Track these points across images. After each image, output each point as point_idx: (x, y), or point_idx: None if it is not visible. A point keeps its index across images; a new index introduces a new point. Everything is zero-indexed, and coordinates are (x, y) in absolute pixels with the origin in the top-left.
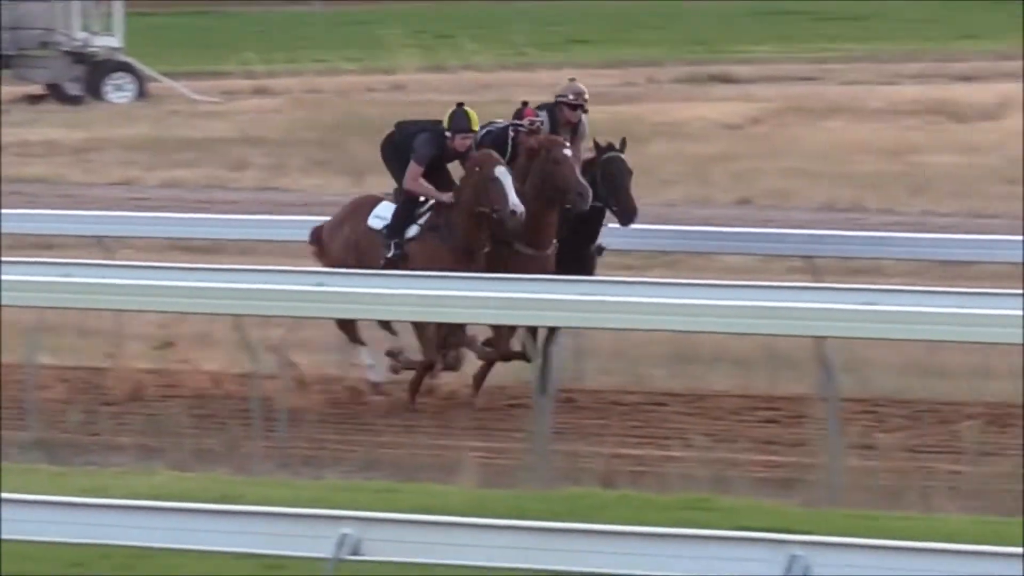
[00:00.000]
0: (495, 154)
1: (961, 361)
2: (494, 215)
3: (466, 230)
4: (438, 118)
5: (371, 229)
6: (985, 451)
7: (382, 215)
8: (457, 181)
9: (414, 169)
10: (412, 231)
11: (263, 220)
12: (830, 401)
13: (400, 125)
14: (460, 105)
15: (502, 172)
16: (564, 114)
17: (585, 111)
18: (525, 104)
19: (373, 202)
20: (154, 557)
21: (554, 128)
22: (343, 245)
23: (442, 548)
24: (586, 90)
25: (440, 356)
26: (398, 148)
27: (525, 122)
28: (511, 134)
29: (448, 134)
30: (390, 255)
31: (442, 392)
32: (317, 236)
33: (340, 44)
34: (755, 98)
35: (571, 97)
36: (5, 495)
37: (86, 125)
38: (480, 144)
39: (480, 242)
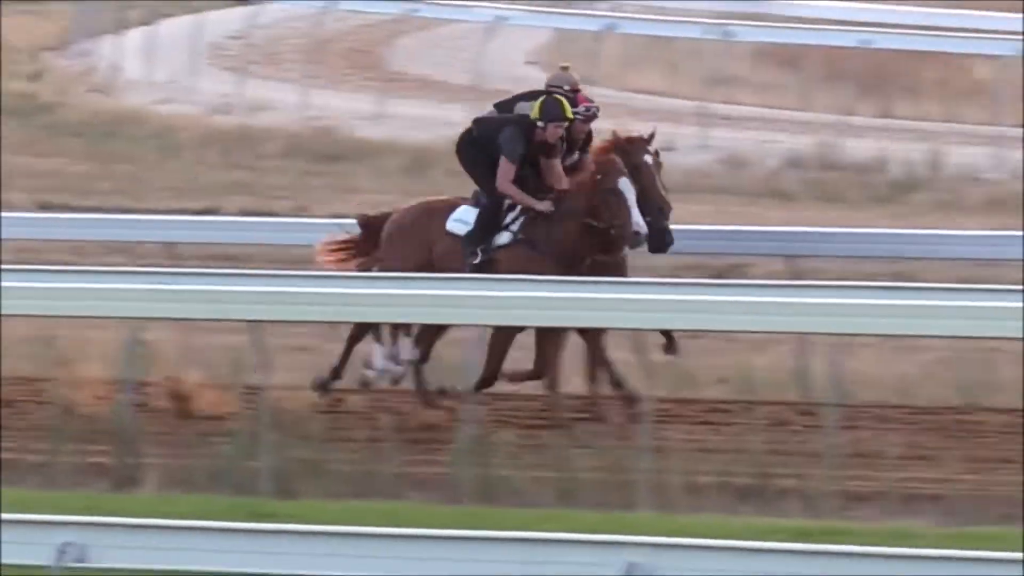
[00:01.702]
0: (619, 162)
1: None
2: (612, 231)
3: (571, 241)
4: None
5: (450, 233)
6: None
7: (464, 219)
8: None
9: (506, 167)
10: (503, 238)
11: None
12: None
13: (479, 122)
14: (550, 94)
15: (626, 185)
16: None
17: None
18: (578, 91)
19: (449, 205)
20: None
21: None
22: (414, 247)
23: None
24: (579, 80)
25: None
26: (479, 146)
27: (580, 108)
28: (540, 125)
29: (540, 124)
30: (476, 261)
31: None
32: (370, 228)
33: None
34: None
35: (565, 87)
36: None
37: None
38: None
39: (584, 255)
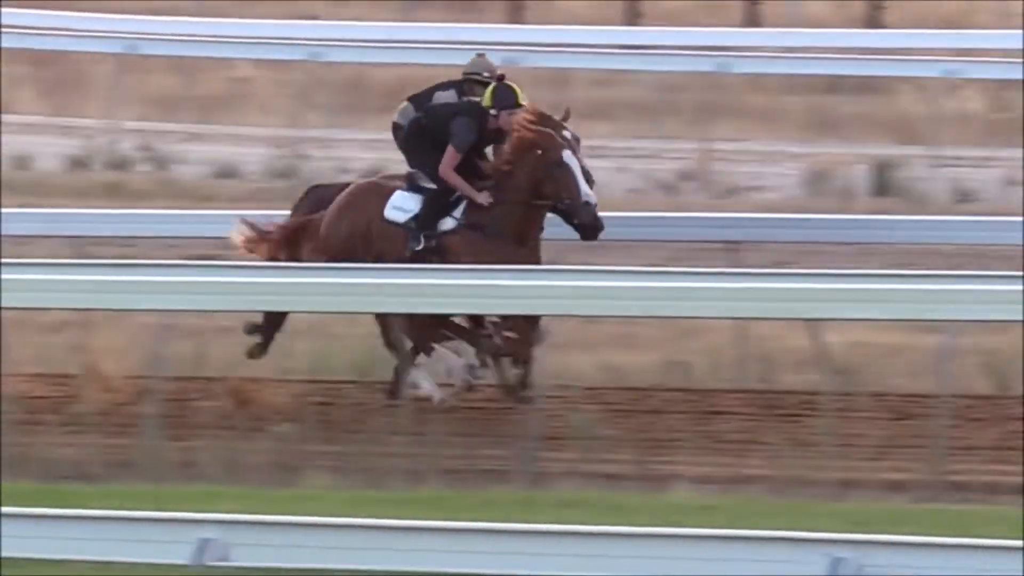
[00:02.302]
0: (557, 136)
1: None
2: (562, 205)
3: (518, 222)
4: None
5: (389, 221)
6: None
7: (403, 206)
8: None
9: (452, 156)
10: (448, 224)
11: None
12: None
13: (428, 111)
14: (502, 78)
15: (570, 157)
16: (475, 92)
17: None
18: (502, 78)
19: (381, 190)
20: None
21: None
22: (347, 236)
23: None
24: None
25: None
26: (427, 135)
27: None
28: (493, 113)
29: (493, 112)
30: (419, 248)
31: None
32: (297, 227)
33: None
34: None
35: (485, 75)
36: None
37: None
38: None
39: (531, 234)
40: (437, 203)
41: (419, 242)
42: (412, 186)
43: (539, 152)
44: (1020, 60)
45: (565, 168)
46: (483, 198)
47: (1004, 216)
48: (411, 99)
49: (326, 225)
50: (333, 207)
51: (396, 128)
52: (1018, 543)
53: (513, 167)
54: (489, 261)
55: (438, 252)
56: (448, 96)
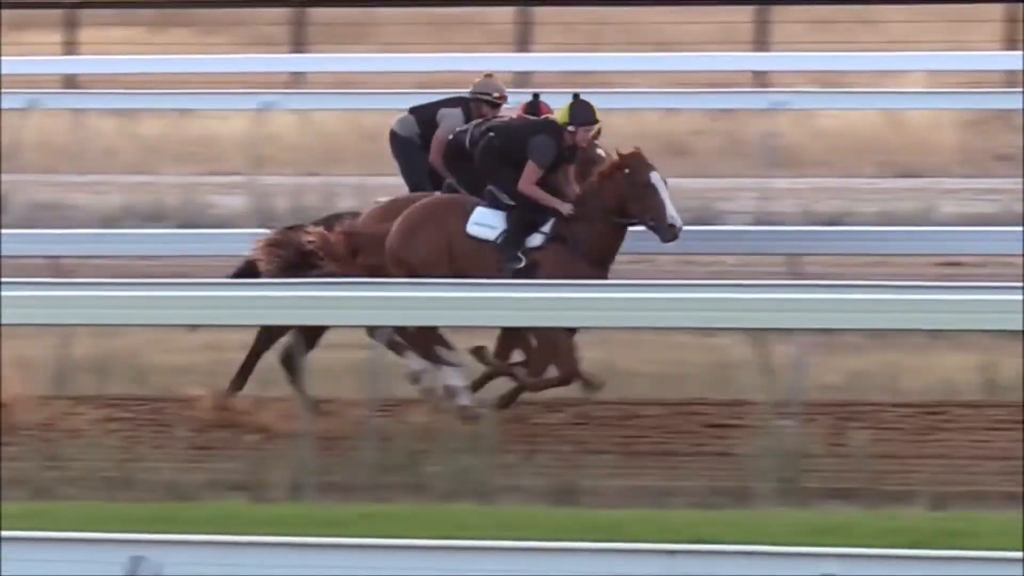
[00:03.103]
0: (645, 156)
1: None
2: (647, 225)
3: (604, 240)
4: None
5: (474, 238)
6: None
7: (487, 223)
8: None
9: (533, 171)
10: (535, 240)
11: None
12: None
13: (499, 129)
14: (577, 96)
15: (657, 178)
16: (482, 112)
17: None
18: (537, 96)
19: (459, 207)
20: None
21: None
22: (425, 253)
23: None
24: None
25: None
26: (501, 153)
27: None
28: (570, 129)
29: (571, 128)
30: (520, 266)
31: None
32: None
33: None
34: None
35: (495, 95)
36: None
37: None
38: (489, 144)
39: (614, 253)
40: (523, 219)
41: (519, 260)
42: (492, 202)
43: (626, 172)
44: None
45: (652, 189)
46: (567, 208)
47: None
48: (413, 111)
49: (397, 242)
50: (404, 225)
51: (393, 137)
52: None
53: (600, 185)
54: (575, 277)
55: (529, 268)
56: (455, 113)
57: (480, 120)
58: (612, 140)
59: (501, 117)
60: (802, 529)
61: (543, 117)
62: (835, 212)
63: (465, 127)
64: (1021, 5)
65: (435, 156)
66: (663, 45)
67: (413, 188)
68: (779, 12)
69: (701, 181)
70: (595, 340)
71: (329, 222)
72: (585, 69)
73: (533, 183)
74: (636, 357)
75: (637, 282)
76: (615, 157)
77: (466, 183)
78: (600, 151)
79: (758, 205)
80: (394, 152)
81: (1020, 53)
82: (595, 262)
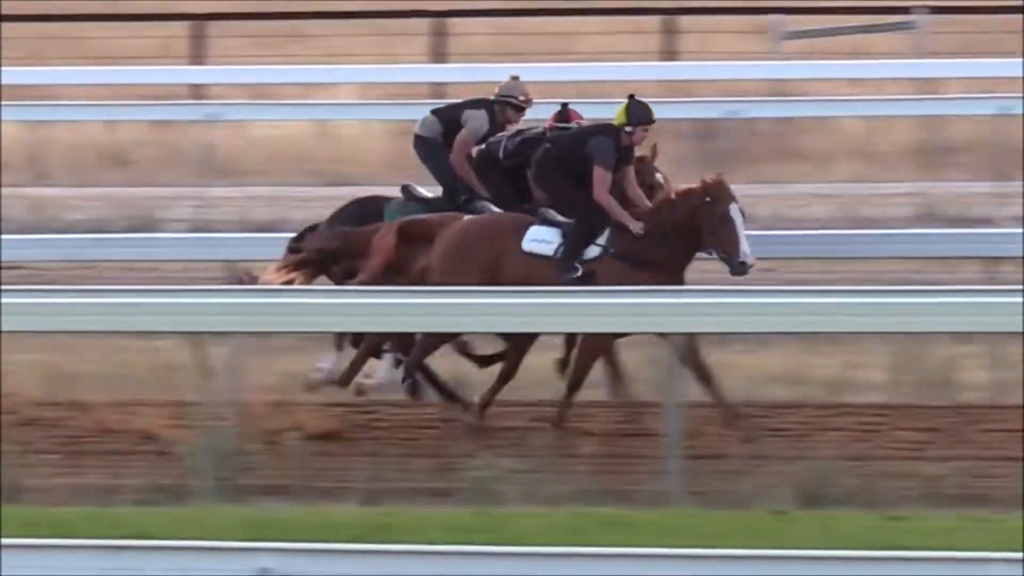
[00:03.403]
0: (728, 186)
1: None
2: (719, 258)
3: (666, 258)
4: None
5: (531, 254)
6: None
7: (544, 239)
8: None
9: (601, 177)
10: (593, 251)
11: None
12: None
13: (555, 140)
14: (632, 97)
15: (736, 211)
16: (507, 116)
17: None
18: (565, 105)
19: (509, 227)
20: None
21: (493, 130)
22: (473, 272)
23: None
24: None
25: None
26: (561, 163)
27: (575, 124)
28: (628, 130)
29: (628, 129)
30: (577, 275)
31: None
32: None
33: None
34: None
35: (521, 99)
36: None
37: None
38: (514, 149)
39: (683, 268)
40: (583, 230)
41: (576, 270)
42: (545, 220)
43: (707, 200)
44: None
45: (730, 223)
46: (637, 227)
47: None
48: (435, 112)
49: (441, 260)
50: (447, 243)
51: (418, 140)
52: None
53: (676, 207)
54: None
55: (584, 279)
56: (479, 116)
57: (516, 131)
58: (53, 149)
59: (533, 124)
60: (239, 525)
61: (600, 123)
62: (270, 219)
63: (498, 137)
64: (447, 20)
65: (458, 156)
66: (105, 59)
67: (447, 188)
68: (215, 27)
69: (142, 190)
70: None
71: (302, 237)
72: (31, 83)
73: (606, 189)
74: (79, 359)
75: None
76: (695, 185)
77: (495, 193)
78: (659, 176)
79: (196, 213)
80: (421, 155)
81: (446, 66)
82: (657, 277)
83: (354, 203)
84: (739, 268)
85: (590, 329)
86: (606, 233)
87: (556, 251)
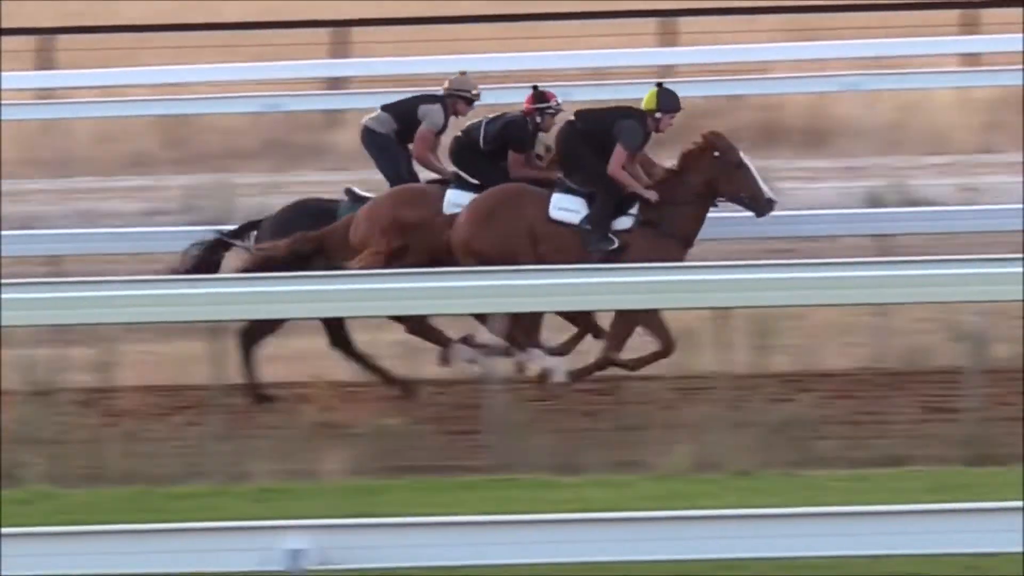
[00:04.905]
0: (727, 137)
1: None
2: (745, 203)
3: (692, 221)
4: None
5: (557, 222)
6: None
7: (569, 207)
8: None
9: (621, 155)
10: (625, 222)
11: None
12: None
13: (582, 115)
14: (660, 84)
15: (747, 158)
16: (458, 109)
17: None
18: (536, 87)
19: (533, 194)
20: None
21: (446, 124)
22: (503, 239)
23: None
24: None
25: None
26: (585, 138)
27: (553, 103)
28: (538, 119)
29: (657, 115)
30: (612, 248)
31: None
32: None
33: None
34: None
35: (472, 92)
36: None
37: None
38: (495, 133)
39: (696, 233)
40: (608, 202)
41: (611, 242)
42: (563, 187)
43: (716, 154)
44: None
45: (745, 167)
46: (652, 195)
47: None
48: (386, 108)
49: (469, 231)
50: (474, 214)
51: (366, 132)
52: None
53: (687, 168)
54: (667, 259)
55: (619, 250)
56: (435, 110)
57: (495, 116)
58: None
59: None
60: None
61: (626, 106)
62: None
63: (477, 123)
64: (453, 26)
65: (421, 150)
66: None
67: (393, 182)
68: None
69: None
70: None
71: (243, 232)
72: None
73: (621, 166)
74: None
75: None
76: (699, 141)
77: (477, 176)
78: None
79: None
80: (369, 149)
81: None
82: (681, 243)
83: (297, 206)
84: (767, 206)
85: (653, 306)
86: (636, 204)
87: (582, 221)
